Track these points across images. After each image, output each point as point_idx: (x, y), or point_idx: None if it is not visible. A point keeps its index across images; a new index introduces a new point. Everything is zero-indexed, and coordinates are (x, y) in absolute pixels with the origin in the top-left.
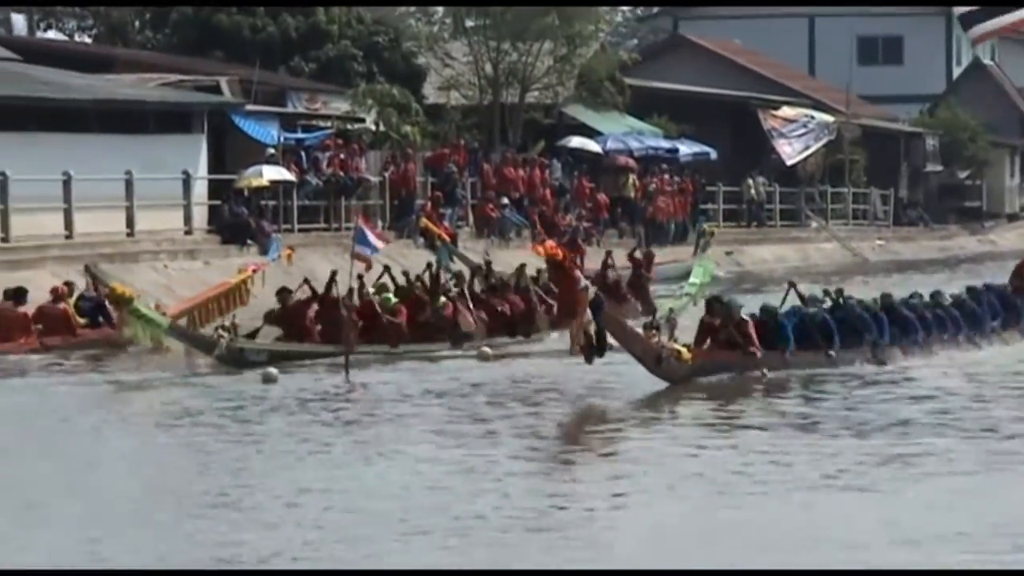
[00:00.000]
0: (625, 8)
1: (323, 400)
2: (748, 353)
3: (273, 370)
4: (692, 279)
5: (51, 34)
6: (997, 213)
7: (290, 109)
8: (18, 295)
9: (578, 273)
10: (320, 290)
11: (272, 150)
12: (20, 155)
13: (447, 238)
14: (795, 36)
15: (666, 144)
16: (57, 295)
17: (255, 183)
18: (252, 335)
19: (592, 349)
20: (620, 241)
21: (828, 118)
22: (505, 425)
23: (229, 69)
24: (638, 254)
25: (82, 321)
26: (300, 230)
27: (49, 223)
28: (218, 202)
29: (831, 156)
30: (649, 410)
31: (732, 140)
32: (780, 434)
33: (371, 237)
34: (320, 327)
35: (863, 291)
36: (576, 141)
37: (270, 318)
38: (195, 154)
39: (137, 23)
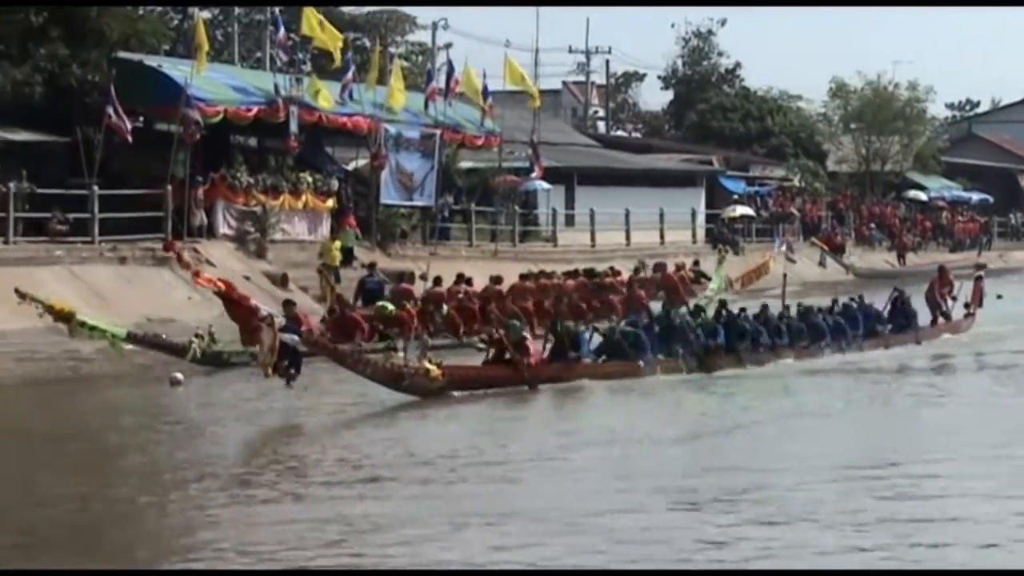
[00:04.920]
0: (940, 116)
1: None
2: (517, 365)
3: (179, 375)
4: (712, 286)
5: (619, 132)
6: None
7: (751, 174)
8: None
9: (254, 303)
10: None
11: (740, 196)
12: (601, 199)
13: (825, 247)
14: None
15: (964, 194)
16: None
17: (732, 215)
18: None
19: (285, 368)
20: (937, 248)
21: None
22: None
23: (718, 151)
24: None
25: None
26: (758, 240)
27: (616, 237)
28: (711, 226)
29: None
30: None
31: (1002, 191)
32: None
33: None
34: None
35: None
36: (912, 193)
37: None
38: (697, 199)
39: (667, 126)
